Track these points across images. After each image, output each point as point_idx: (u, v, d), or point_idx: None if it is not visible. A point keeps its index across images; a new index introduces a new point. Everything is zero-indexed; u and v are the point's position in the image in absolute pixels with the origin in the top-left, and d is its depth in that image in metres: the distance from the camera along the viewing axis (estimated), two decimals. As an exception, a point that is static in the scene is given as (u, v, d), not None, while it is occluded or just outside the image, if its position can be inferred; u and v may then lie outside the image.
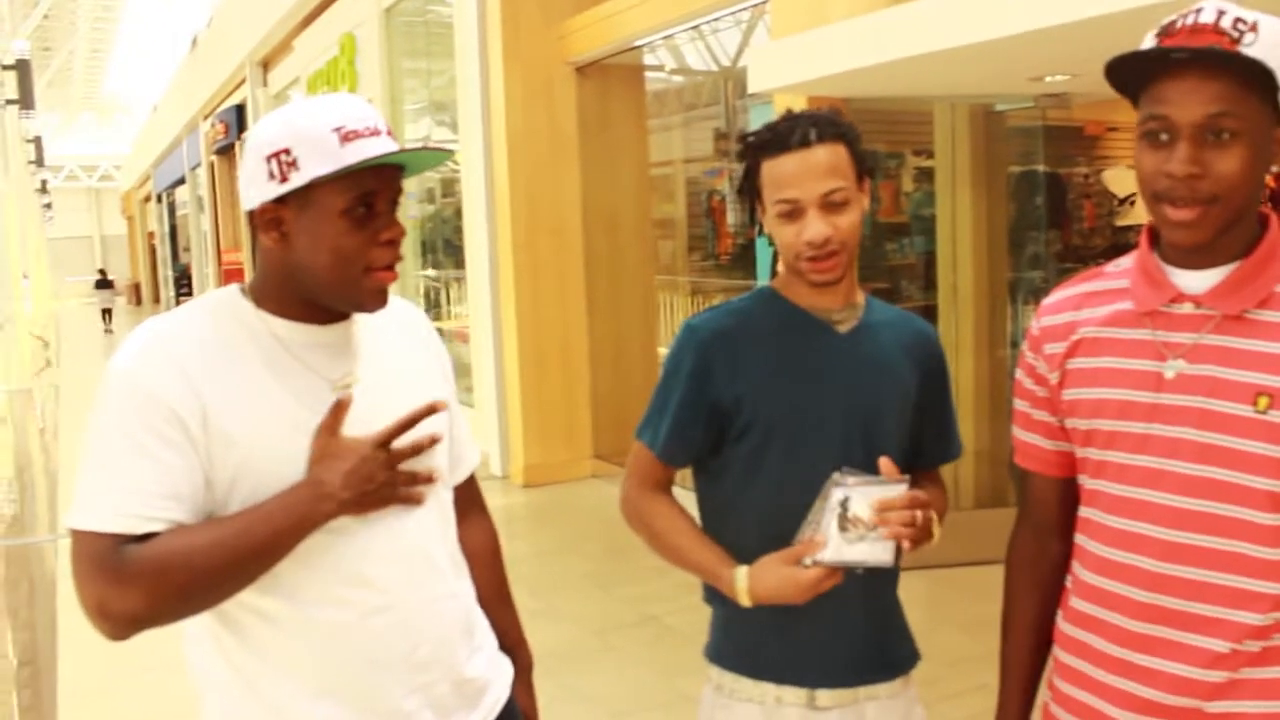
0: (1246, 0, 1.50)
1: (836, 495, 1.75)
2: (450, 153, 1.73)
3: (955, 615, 4.82)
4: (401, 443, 1.59)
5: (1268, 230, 1.52)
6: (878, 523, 1.75)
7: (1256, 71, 1.39)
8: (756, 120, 7.42)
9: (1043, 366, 1.69)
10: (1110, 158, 10.96)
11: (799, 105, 5.22)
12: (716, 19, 7.10)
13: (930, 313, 6.10)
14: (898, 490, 1.76)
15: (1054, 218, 9.19)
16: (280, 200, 1.55)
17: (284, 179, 1.52)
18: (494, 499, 7.45)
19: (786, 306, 1.92)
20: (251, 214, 1.58)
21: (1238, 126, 1.40)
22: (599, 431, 7.84)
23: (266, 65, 15.70)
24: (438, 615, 1.68)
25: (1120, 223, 10.23)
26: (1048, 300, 1.72)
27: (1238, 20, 1.41)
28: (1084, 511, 1.65)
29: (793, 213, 1.82)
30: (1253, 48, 1.39)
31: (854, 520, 1.75)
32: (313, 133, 1.52)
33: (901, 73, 4.68)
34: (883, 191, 6.71)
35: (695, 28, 7.50)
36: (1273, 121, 1.44)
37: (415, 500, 1.63)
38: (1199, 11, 1.44)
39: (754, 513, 1.88)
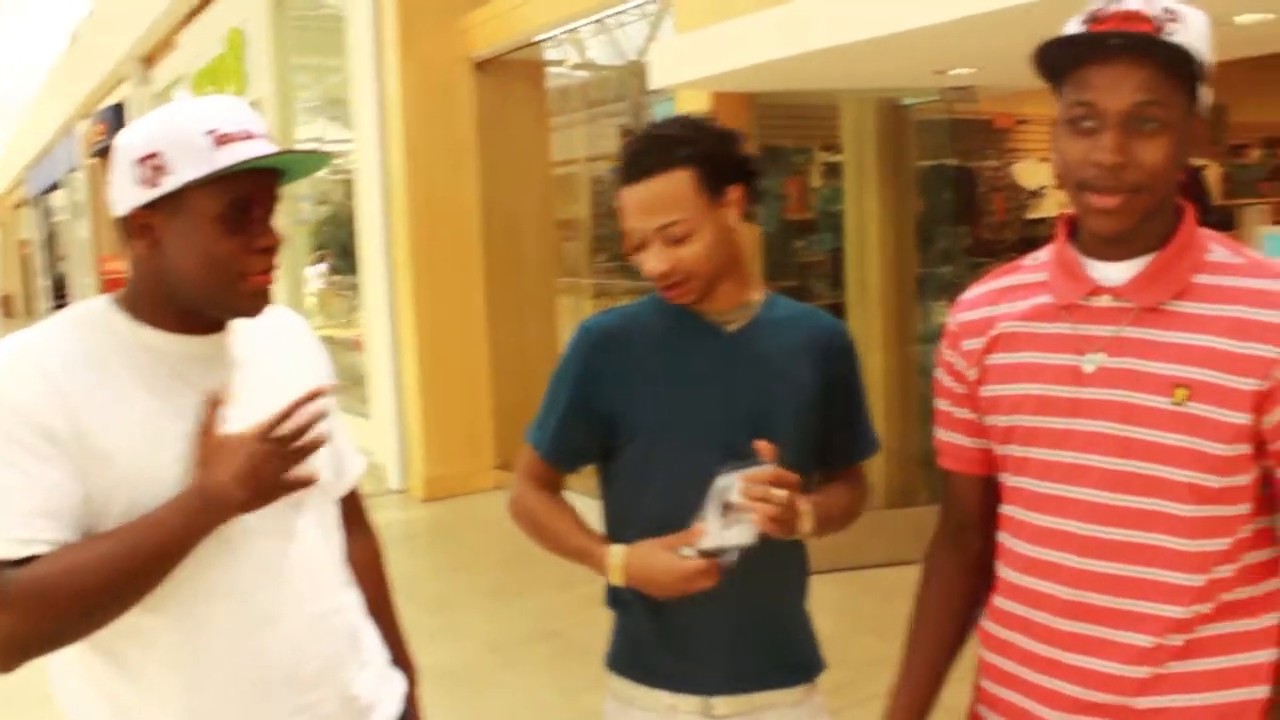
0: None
1: (720, 484, 1.76)
2: (329, 156, 1.70)
3: (868, 618, 4.88)
4: (284, 429, 1.56)
5: (1183, 221, 1.55)
6: (748, 504, 1.75)
7: (1182, 60, 1.42)
8: (660, 116, 7.41)
9: (961, 363, 1.71)
10: (1020, 150, 11.21)
11: (702, 101, 5.26)
12: (621, 12, 7.11)
13: (839, 310, 6.18)
14: (767, 470, 1.77)
15: (963, 212, 9.35)
16: (151, 206, 1.52)
17: (154, 184, 1.50)
18: (393, 513, 7.45)
19: (675, 309, 1.93)
20: (122, 221, 1.55)
21: (1164, 115, 1.44)
22: (501, 441, 7.80)
23: (149, 62, 15.35)
24: (323, 630, 1.67)
25: (1031, 216, 10.48)
26: (965, 295, 1.74)
27: (1165, 9, 1.44)
28: (1006, 509, 1.67)
29: (639, 245, 1.85)
30: (1177, 36, 1.42)
31: (732, 507, 1.76)
32: (184, 135, 1.50)
33: (806, 67, 4.73)
34: (790, 188, 6.77)
35: (599, 21, 7.51)
36: (1191, 112, 1.47)
37: (307, 483, 1.59)
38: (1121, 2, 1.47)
39: (649, 520, 1.88)
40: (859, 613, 4.94)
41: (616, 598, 1.98)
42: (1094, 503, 1.54)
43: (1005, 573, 1.66)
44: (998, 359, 1.65)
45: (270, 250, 1.57)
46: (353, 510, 1.95)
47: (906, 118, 6.19)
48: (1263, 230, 3.91)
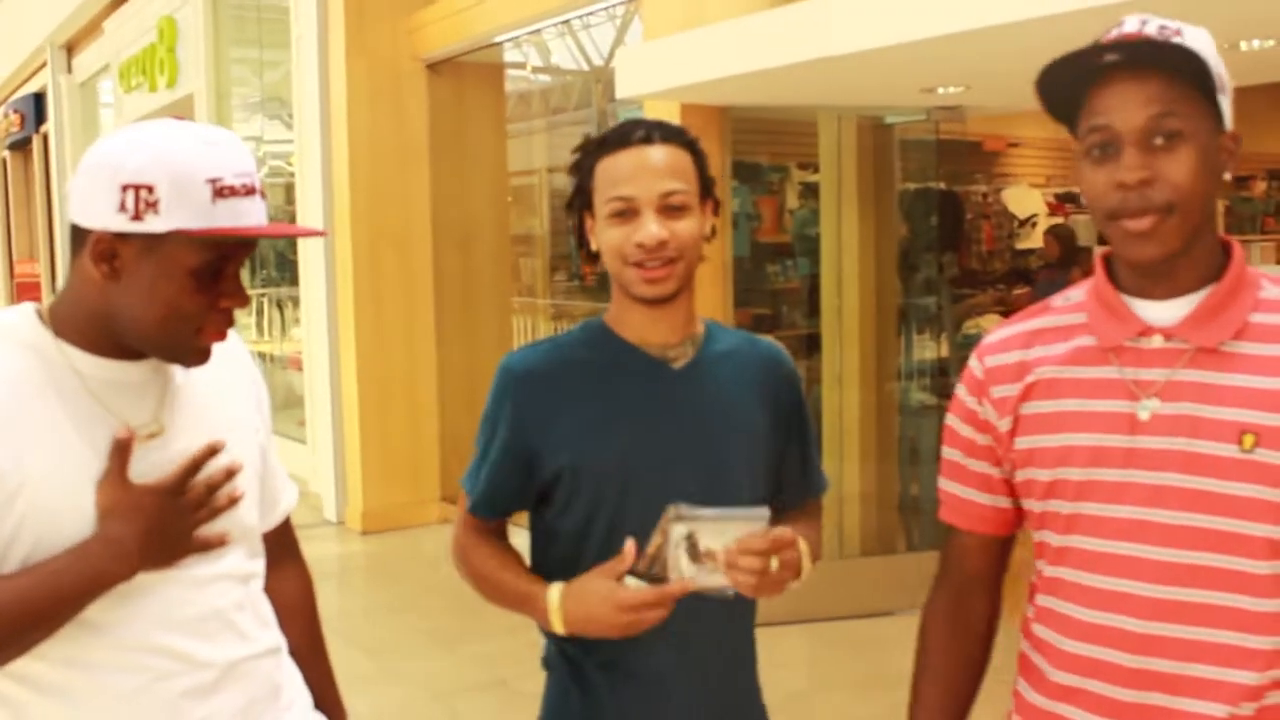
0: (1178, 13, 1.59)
1: (679, 531, 1.74)
2: (323, 234, 1.65)
3: (841, 674, 4.90)
4: (193, 487, 1.57)
5: (1232, 257, 1.57)
6: (730, 562, 1.73)
7: (1194, 67, 1.45)
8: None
9: (989, 412, 1.69)
10: (1010, 175, 11.36)
11: (672, 112, 5.30)
12: (588, 14, 7.15)
13: (814, 341, 6.22)
14: (757, 524, 1.74)
15: (949, 239, 9.47)
16: (122, 234, 1.51)
17: (138, 216, 1.49)
18: (328, 547, 7.41)
19: (614, 342, 1.92)
20: (80, 231, 1.54)
21: (1182, 126, 1.46)
22: (448, 471, 7.79)
23: (71, 49, 15.26)
24: (240, 678, 1.67)
25: (1021, 245, 10.61)
26: (990, 338, 1.74)
27: (1163, 26, 1.49)
28: (1053, 571, 1.64)
29: (626, 212, 1.83)
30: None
31: (706, 554, 1.74)
32: (185, 177, 1.49)
33: (783, 80, 4.78)
34: (764, 208, 6.82)
35: (564, 23, 7.55)
36: (1216, 125, 1.51)
37: (216, 544, 1.61)
38: (1121, 25, 1.52)
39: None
40: (829, 668, 4.95)
41: (559, 655, 1.96)
42: (1158, 561, 1.52)
43: (1061, 642, 1.63)
44: (1036, 407, 1.63)
45: (233, 309, 1.58)
46: (283, 542, 1.95)
47: (890, 137, 6.25)
48: (1263, 269, 3.95)
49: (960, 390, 1.75)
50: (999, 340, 1.72)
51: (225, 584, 1.67)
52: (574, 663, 1.94)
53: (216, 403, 1.71)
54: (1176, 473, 1.51)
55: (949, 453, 1.78)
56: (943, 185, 8.75)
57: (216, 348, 1.74)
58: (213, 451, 1.60)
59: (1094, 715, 1.59)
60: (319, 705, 1.92)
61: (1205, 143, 1.49)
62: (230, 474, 1.61)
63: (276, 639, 1.80)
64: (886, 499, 6.17)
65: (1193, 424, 1.51)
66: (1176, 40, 1.47)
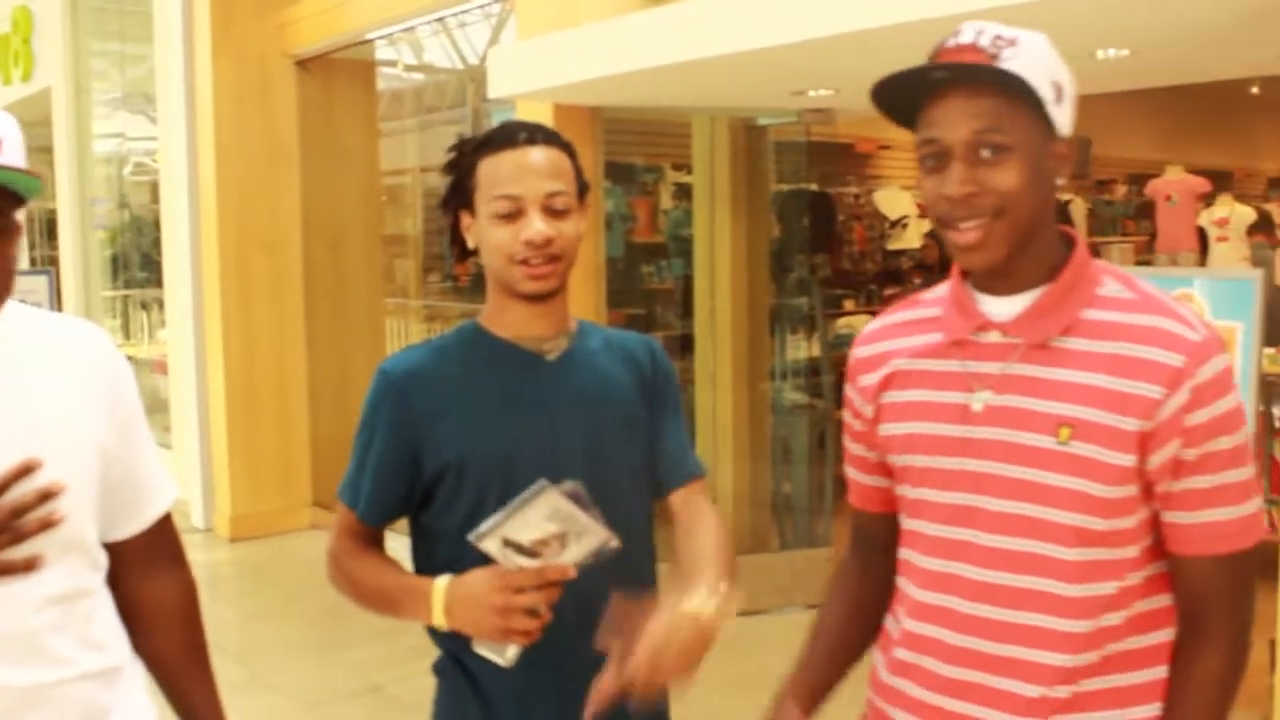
0: (1019, 20, 1.65)
1: (493, 546, 1.75)
2: (38, 182, 1.56)
3: (715, 675, 4.90)
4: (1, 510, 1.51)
5: (1073, 254, 1.63)
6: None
7: (1015, 84, 1.52)
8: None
9: (859, 399, 1.81)
10: (882, 177, 11.59)
11: (545, 113, 5.31)
12: (462, 12, 7.12)
13: (688, 342, 6.27)
14: (546, 495, 1.72)
15: (821, 240, 9.62)
16: None
17: None
18: (196, 555, 7.11)
19: (490, 340, 1.96)
20: None
21: (1007, 141, 1.53)
22: (319, 476, 7.70)
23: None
24: (45, 703, 1.61)
25: (892, 246, 10.83)
26: (864, 330, 1.85)
27: (996, 37, 1.55)
28: (903, 554, 1.75)
29: (512, 213, 1.87)
30: (1012, 62, 1.53)
31: (536, 544, 1.75)
32: None
33: (656, 81, 4.83)
34: (638, 209, 6.88)
35: (438, 20, 7.51)
36: (1047, 135, 1.57)
37: (20, 569, 1.55)
38: (959, 34, 1.58)
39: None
40: (707, 669, 4.97)
41: (448, 662, 1.96)
42: (983, 546, 1.61)
43: (903, 621, 1.73)
44: (892, 396, 1.74)
45: None
46: (157, 548, 1.86)
47: (762, 139, 6.35)
48: (1124, 270, 4.10)
49: (847, 379, 1.86)
50: (870, 332, 1.83)
51: (36, 605, 1.60)
52: (466, 668, 1.94)
53: (37, 407, 1.63)
54: (1001, 462, 1.60)
55: (844, 439, 1.89)
56: (815, 187, 8.90)
57: (63, 341, 1.68)
58: (25, 471, 1.53)
59: (925, 691, 1.68)
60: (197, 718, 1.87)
61: (1034, 153, 1.56)
62: (46, 496, 1.55)
63: (106, 661, 1.72)
64: (760, 498, 6.25)
65: (1018, 416, 1.59)
66: (1004, 58, 1.53)
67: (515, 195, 1.87)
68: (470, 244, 1.95)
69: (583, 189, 1.96)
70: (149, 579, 1.80)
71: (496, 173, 1.88)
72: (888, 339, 1.78)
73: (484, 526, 1.74)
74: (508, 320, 1.96)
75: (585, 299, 5.44)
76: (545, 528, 1.75)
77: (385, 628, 2.05)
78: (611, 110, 5.70)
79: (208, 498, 7.80)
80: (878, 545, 1.86)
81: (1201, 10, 3.50)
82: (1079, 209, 13.39)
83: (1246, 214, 12.19)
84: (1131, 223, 15.23)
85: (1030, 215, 1.56)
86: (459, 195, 1.94)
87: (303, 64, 7.65)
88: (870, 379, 1.77)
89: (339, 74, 7.83)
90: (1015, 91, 1.53)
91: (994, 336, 1.63)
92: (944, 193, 1.56)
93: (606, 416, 1.96)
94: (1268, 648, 3.12)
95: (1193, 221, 12.31)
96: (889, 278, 10.26)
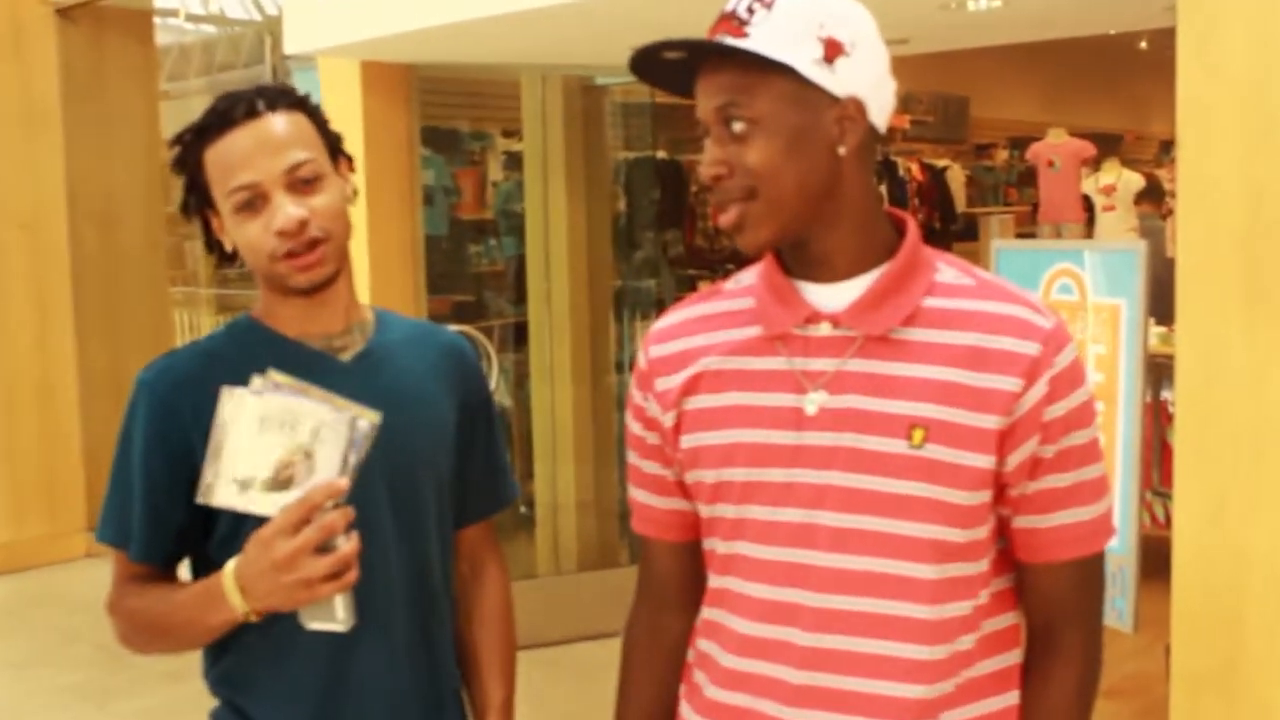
0: None
1: (225, 494, 1.72)
2: None
3: (556, 703, 4.95)
4: None
5: (905, 236, 1.64)
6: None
7: (748, 57, 1.53)
8: (302, 87, 7.33)
9: (654, 408, 1.74)
10: (740, 144, 11.70)
11: (352, 72, 5.24)
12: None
13: (522, 330, 6.25)
14: (238, 399, 1.72)
15: (672, 214, 9.71)
16: None
17: None
18: (-60, 592, 7.01)
19: (270, 337, 1.91)
20: None
21: (750, 115, 1.54)
22: (95, 496, 7.44)
23: None
24: None
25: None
26: (657, 325, 1.78)
27: (752, 3, 1.56)
28: (719, 582, 1.69)
29: (253, 201, 1.80)
30: (760, 27, 1.53)
31: (277, 475, 1.72)
32: None
33: (479, 35, 4.79)
34: (464, 181, 6.83)
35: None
36: (815, 101, 1.56)
37: None
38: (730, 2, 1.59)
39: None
40: (550, 698, 5.00)
41: (221, 715, 1.94)
42: (825, 568, 1.58)
43: (722, 658, 1.68)
44: (700, 401, 1.68)
45: None
46: None
47: (601, 100, 6.35)
48: (997, 244, 4.20)
49: (631, 384, 1.80)
50: (664, 328, 1.77)
51: None
52: (246, 715, 1.92)
53: None
54: (843, 470, 1.57)
55: (629, 455, 1.83)
56: (664, 154, 8.95)
57: None
58: None
59: None
60: None
61: (787, 124, 1.55)
62: None
63: None
64: (606, 506, 6.26)
65: (861, 418, 1.57)
66: (753, 24, 1.53)
67: (250, 182, 1.79)
68: (228, 247, 1.89)
69: (335, 145, 1.90)
70: None
71: (224, 160, 1.81)
72: (689, 335, 1.72)
73: (205, 477, 1.70)
74: (285, 315, 1.91)
75: (402, 284, 5.40)
76: (271, 442, 1.70)
77: (174, 669, 1.99)
78: (429, 68, 5.65)
79: (-41, 524, 7.57)
80: (670, 596, 1.82)
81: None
82: (956, 176, 13.76)
83: (1135, 181, 12.57)
84: (1014, 190, 15.69)
85: (795, 191, 1.56)
86: (196, 195, 1.87)
87: (64, 13, 7.47)
88: (669, 382, 1.71)
89: (110, 24, 7.67)
90: (759, 63, 1.54)
91: (824, 329, 1.61)
92: (702, 174, 1.60)
93: (412, 424, 1.92)
94: (1163, 654, 3.21)
95: (1077, 189, 12.70)
96: (748, 256, 10.36)
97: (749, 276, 1.72)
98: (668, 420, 1.71)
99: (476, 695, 2.09)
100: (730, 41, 1.53)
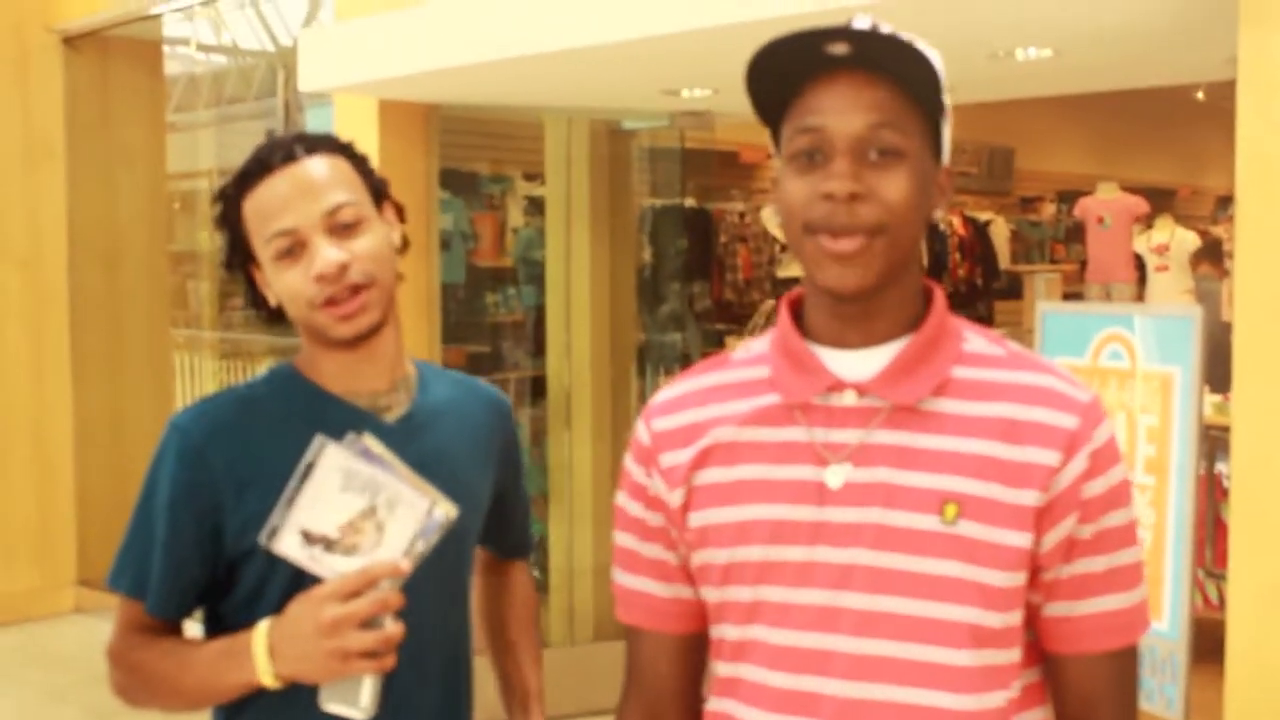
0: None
1: (291, 546, 1.76)
2: None
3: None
4: None
5: (933, 304, 1.62)
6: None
7: (924, 76, 1.51)
8: (315, 124, 7.40)
9: (659, 485, 1.68)
10: (771, 192, 11.68)
11: (369, 110, 5.27)
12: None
13: (540, 384, 6.24)
14: (325, 468, 1.75)
15: (699, 265, 9.70)
16: None
17: None
18: (-82, 648, 7.00)
19: (311, 392, 1.92)
20: None
21: (903, 145, 1.51)
22: (87, 548, 7.55)
23: None
24: None
25: (783, 273, 10.94)
26: (660, 397, 1.74)
27: (910, 35, 1.53)
28: (730, 670, 1.64)
29: (292, 248, 1.83)
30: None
31: (344, 531, 1.75)
32: None
33: (503, 75, 4.83)
34: (482, 226, 6.84)
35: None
36: (935, 156, 1.57)
37: None
38: (852, 23, 1.53)
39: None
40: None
41: None
42: (850, 654, 1.54)
43: None
44: (711, 476, 1.63)
45: None
46: None
47: (628, 145, 6.38)
48: (1042, 306, 4.18)
49: (628, 460, 1.75)
50: (669, 400, 1.72)
51: None
52: None
53: None
54: (870, 549, 1.53)
55: (621, 537, 1.76)
56: (691, 202, 8.96)
57: None
58: None
59: None
60: None
61: (923, 168, 1.55)
62: None
63: None
64: (625, 572, 6.21)
65: (889, 493, 1.54)
66: (911, 41, 1.51)
67: (288, 228, 1.82)
68: (273, 302, 1.91)
69: (379, 190, 1.93)
70: None
71: (262, 207, 1.84)
72: (698, 405, 1.67)
73: (273, 520, 1.72)
74: (328, 370, 1.92)
75: (416, 333, 5.40)
76: (347, 504, 1.73)
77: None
78: (450, 109, 5.68)
79: (-56, 575, 7.58)
80: (665, 696, 1.75)
81: (1134, 7, 3.60)
82: (1000, 230, 13.68)
83: (1189, 239, 12.41)
84: (1061, 246, 15.61)
85: (909, 242, 1.55)
86: (239, 251, 1.90)
87: (71, 42, 7.53)
88: (677, 457, 1.66)
89: (117, 54, 7.73)
90: (914, 89, 1.52)
91: (849, 399, 1.57)
92: (822, 189, 1.50)
93: (458, 496, 1.89)
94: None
95: (1128, 248, 12.59)
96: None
97: (760, 344, 1.70)
98: (675, 499, 1.66)
99: (513, 675, 2.14)
100: (921, 47, 1.50)
